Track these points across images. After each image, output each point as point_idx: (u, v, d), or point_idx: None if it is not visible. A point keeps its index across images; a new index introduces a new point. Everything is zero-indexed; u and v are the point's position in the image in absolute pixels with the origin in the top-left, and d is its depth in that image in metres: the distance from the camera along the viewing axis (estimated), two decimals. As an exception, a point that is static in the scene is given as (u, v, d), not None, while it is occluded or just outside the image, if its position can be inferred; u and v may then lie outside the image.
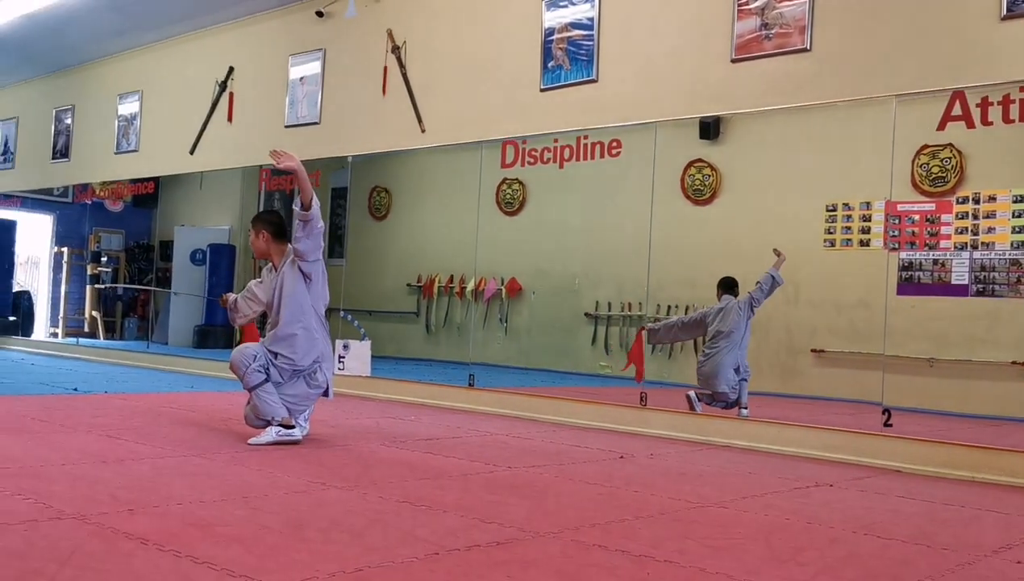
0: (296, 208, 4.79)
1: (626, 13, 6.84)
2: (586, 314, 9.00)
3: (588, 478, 4.25)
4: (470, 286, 10.04)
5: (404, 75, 8.22)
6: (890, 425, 5.30)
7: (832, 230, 7.18)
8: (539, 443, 5.44)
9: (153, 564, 2.46)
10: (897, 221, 5.80)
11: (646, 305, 7.89)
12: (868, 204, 6.98)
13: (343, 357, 8.10)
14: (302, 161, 4.75)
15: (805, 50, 5.91)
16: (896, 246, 5.84)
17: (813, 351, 7.54)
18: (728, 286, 6.94)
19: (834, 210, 7.17)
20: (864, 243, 7.08)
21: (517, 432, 5.89)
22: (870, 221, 6.98)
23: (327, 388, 4.98)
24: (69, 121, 12.19)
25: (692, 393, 6.57)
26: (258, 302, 5.11)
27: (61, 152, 12.31)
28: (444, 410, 7.03)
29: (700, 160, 8.23)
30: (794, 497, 4.05)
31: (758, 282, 6.80)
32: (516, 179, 9.66)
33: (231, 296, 5.25)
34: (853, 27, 5.77)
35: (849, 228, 7.09)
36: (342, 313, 9.30)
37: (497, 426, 6.16)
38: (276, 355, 4.86)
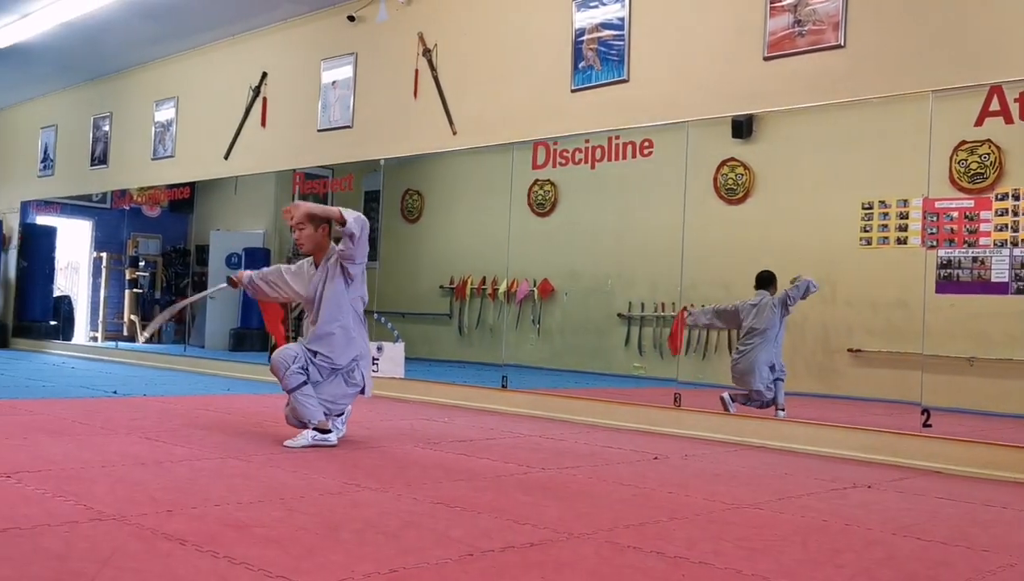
0: (339, 228, 4.83)
1: (657, 12, 6.81)
2: (619, 315, 8.97)
3: (622, 479, 4.24)
4: (502, 288, 10.04)
5: (435, 78, 8.25)
6: (929, 425, 5.23)
7: (868, 228, 7.10)
8: (572, 444, 5.43)
9: (191, 565, 2.48)
10: (935, 218, 5.72)
11: (679, 305, 7.84)
12: (905, 202, 6.89)
13: (377, 359, 8.14)
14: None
15: (839, 46, 5.85)
16: (934, 244, 5.76)
17: (850, 351, 7.45)
18: (765, 281, 6.86)
19: (870, 208, 7.09)
20: (901, 241, 6.99)
21: (550, 433, 5.89)
22: (907, 219, 6.89)
23: (364, 386, 5.00)
24: (107, 128, 12.38)
25: (726, 395, 6.52)
26: (285, 289, 5.13)
27: (99, 159, 12.50)
28: (477, 411, 7.04)
29: (733, 159, 8.17)
30: (831, 498, 4.01)
31: (794, 281, 6.73)
32: (548, 180, 9.65)
33: (244, 274, 5.25)
34: (888, 22, 5.70)
35: (886, 226, 7.00)
36: (376, 315, 9.34)
37: (530, 427, 6.16)
38: (315, 354, 4.89)
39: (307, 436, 4.78)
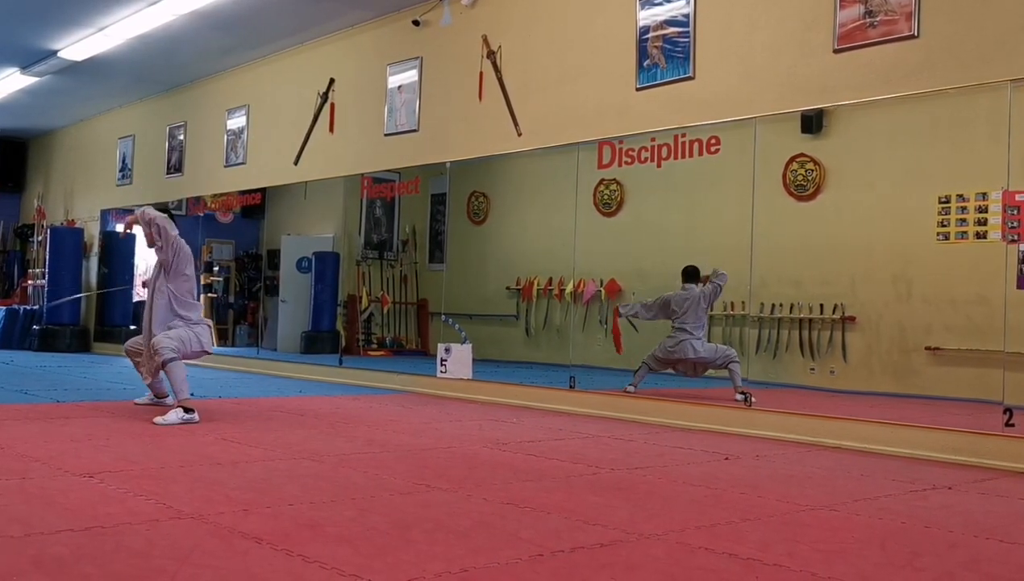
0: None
1: (722, 8, 6.73)
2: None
3: (692, 480, 4.19)
4: (569, 288, 10.03)
5: (500, 80, 8.27)
6: (1012, 425, 5.06)
7: (946, 223, 6.89)
8: (642, 445, 5.39)
9: (267, 562, 2.53)
10: (1016, 212, 5.53)
11: (749, 304, 7.74)
12: (984, 195, 6.67)
13: (445, 360, 8.20)
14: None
15: (912, 37, 5.70)
16: (1015, 238, 5.57)
17: (928, 349, 7.26)
18: (692, 275, 7.46)
19: (947, 202, 6.89)
20: (981, 236, 6.77)
21: (619, 434, 5.85)
22: (986, 212, 6.68)
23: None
24: (182, 137, 12.70)
25: (631, 387, 7.21)
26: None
27: (175, 167, 12.83)
28: (546, 412, 7.04)
29: (803, 154, 8.03)
30: (910, 500, 3.91)
31: (715, 274, 7.39)
32: (614, 179, 9.60)
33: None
34: (963, 10, 5.53)
35: (964, 220, 6.80)
36: (443, 317, 9.40)
37: (599, 428, 6.14)
38: None
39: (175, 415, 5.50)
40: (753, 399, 6.35)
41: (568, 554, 2.75)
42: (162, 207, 13.57)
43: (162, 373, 6.05)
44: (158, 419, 5.44)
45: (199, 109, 12.44)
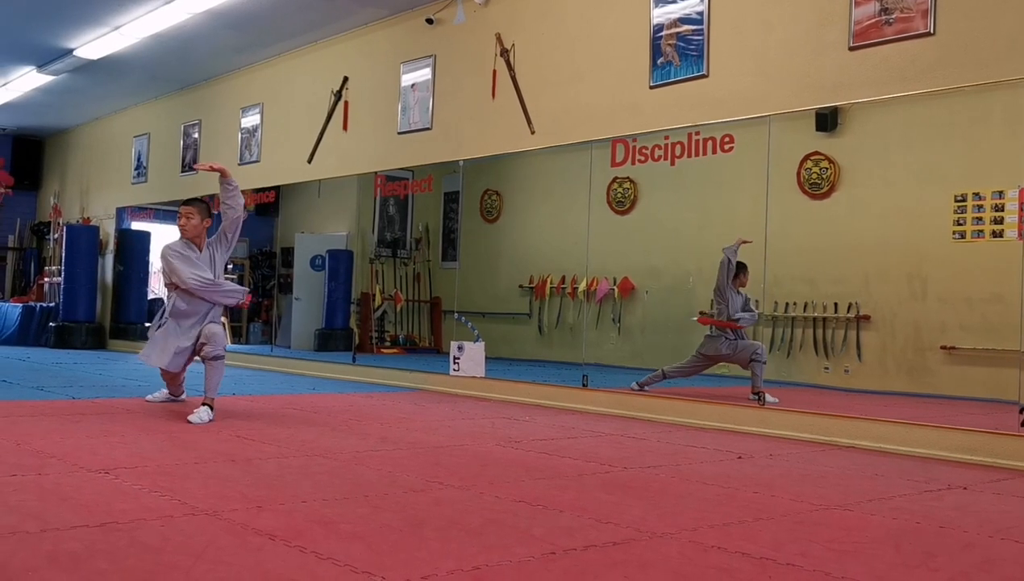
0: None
1: (736, 5, 6.70)
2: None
3: (705, 479, 4.18)
4: (582, 286, 10.02)
5: (513, 78, 8.27)
6: (1029, 425, 5.03)
7: (962, 221, 6.87)
8: (655, 443, 5.38)
9: (280, 559, 2.54)
10: (1033, 210, 5.50)
11: (763, 303, 7.71)
12: (1001, 193, 6.64)
13: (458, 358, 8.21)
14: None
15: (928, 34, 5.67)
16: (1032, 236, 5.53)
17: (943, 348, 7.22)
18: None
19: (964, 200, 6.87)
20: (997, 234, 6.75)
21: (632, 432, 5.85)
22: (1003, 211, 6.65)
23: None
24: (196, 135, 12.75)
25: (634, 385, 7.10)
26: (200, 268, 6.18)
27: (189, 165, 12.89)
28: (558, 411, 7.04)
29: (817, 153, 8.00)
30: (925, 500, 3.89)
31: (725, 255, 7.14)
32: (627, 178, 9.59)
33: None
34: (979, 8, 5.49)
35: (980, 219, 6.77)
36: (456, 315, 9.42)
37: (612, 426, 6.13)
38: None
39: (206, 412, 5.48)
40: (773, 399, 6.30)
41: (580, 552, 2.75)
42: (177, 204, 13.76)
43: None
44: (192, 418, 5.43)
45: (214, 107, 12.48)
